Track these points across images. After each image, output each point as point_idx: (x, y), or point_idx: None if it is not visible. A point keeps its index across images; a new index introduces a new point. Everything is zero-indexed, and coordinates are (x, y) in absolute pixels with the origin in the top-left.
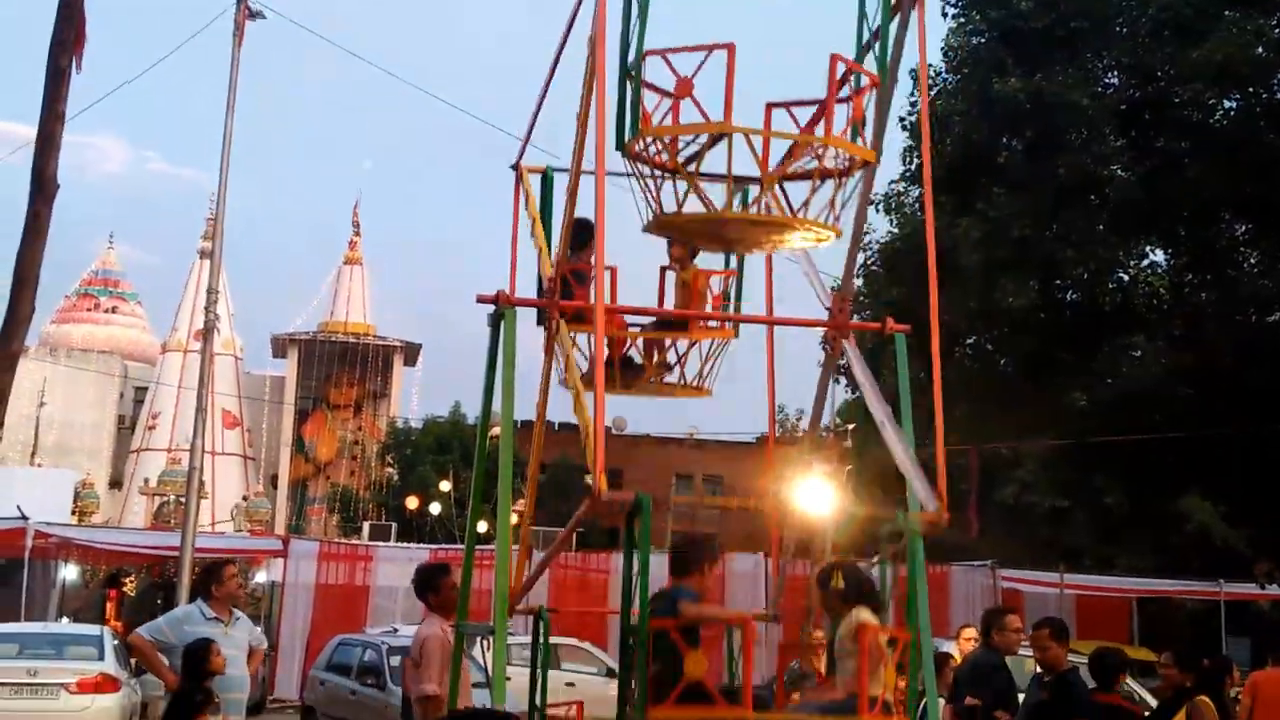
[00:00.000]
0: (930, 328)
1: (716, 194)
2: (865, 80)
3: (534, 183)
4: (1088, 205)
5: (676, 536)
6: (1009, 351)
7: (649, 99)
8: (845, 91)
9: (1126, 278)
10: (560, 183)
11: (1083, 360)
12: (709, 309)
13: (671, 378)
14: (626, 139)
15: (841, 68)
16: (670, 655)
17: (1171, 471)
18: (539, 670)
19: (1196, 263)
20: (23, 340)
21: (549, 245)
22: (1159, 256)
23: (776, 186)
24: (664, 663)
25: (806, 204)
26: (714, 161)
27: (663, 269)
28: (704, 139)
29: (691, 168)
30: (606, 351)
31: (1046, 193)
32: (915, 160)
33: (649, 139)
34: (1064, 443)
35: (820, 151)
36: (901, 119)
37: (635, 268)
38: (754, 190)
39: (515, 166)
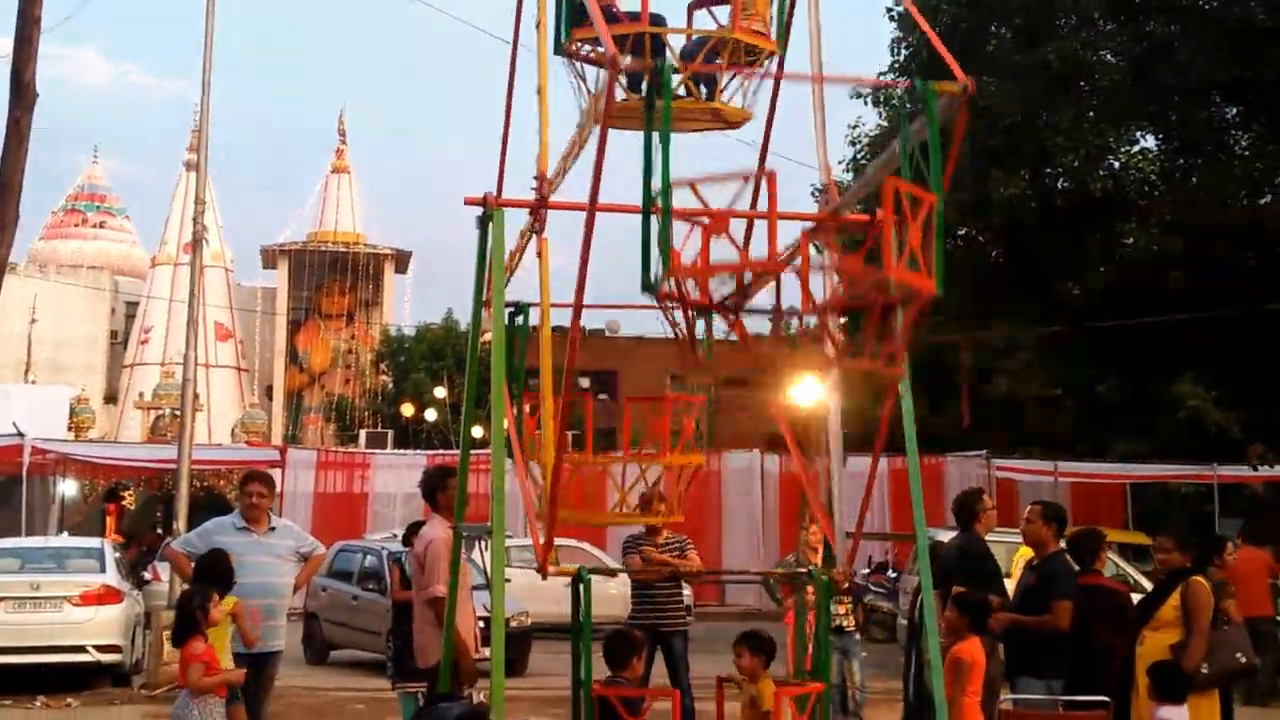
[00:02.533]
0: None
1: None
2: None
3: None
4: (1078, 92)
5: None
6: (1000, 242)
7: None
8: None
9: (1117, 164)
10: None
11: (1074, 249)
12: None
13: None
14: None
15: None
16: None
17: (1164, 357)
18: (582, 644)
19: (1187, 147)
20: (9, 247)
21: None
22: (1150, 142)
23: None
24: None
25: None
26: None
27: (718, 682)
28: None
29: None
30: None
31: (1036, 81)
32: (902, 52)
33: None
34: (1056, 331)
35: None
36: (888, 9)
37: None
38: None
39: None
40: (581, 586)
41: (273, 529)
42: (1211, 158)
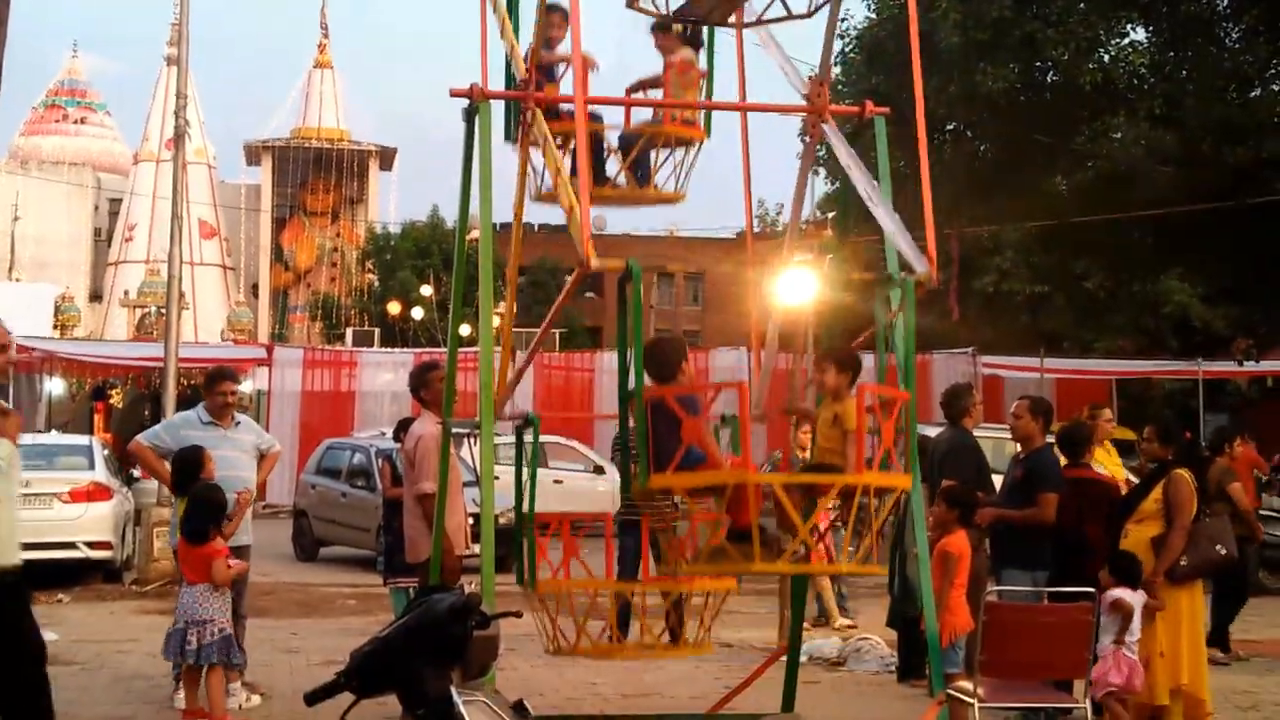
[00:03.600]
0: (915, 108)
1: None
2: None
3: None
4: None
5: (649, 342)
6: (988, 136)
7: None
8: None
9: (1107, 57)
10: None
11: (1063, 143)
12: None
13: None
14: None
15: None
16: (668, 423)
17: (1151, 253)
18: (526, 476)
19: (1177, 39)
20: None
21: (519, 40)
22: (1139, 34)
23: None
24: (663, 431)
25: None
26: None
27: (628, 90)
28: None
29: None
30: (573, 159)
31: None
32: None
33: None
34: (1044, 225)
35: None
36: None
37: (612, 69)
38: None
39: None
40: (531, 427)
41: (237, 424)
42: (1202, 50)
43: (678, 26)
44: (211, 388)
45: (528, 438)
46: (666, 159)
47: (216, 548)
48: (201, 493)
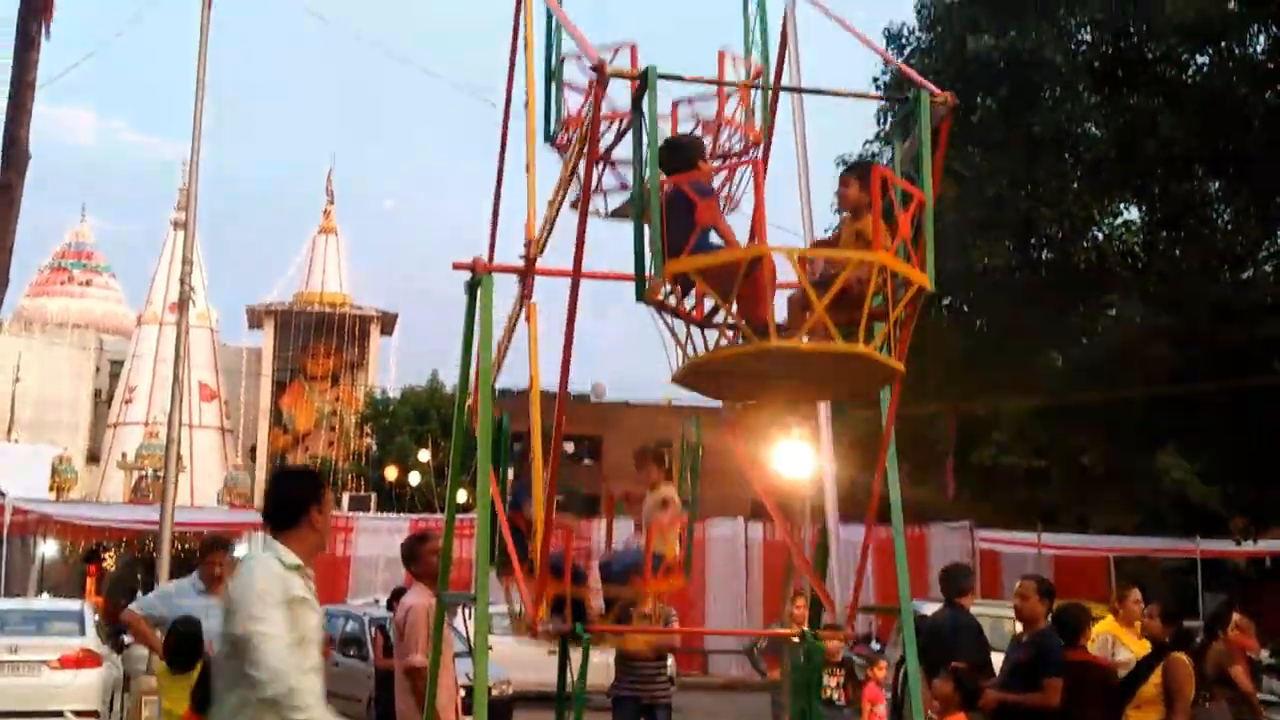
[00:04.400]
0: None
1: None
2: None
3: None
4: (1062, 163)
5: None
6: (985, 312)
7: None
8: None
9: (1101, 235)
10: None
11: (1059, 320)
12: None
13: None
14: (647, 284)
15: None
16: (682, 212)
17: (1147, 430)
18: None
19: (1171, 220)
20: None
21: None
22: (1133, 214)
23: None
24: (676, 220)
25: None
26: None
27: (624, 497)
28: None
29: None
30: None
31: (1021, 151)
32: (888, 120)
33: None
34: (1040, 403)
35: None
36: (875, 79)
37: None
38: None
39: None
40: (577, 648)
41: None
42: (1195, 231)
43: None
44: (204, 557)
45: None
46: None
47: None
48: (181, 624)
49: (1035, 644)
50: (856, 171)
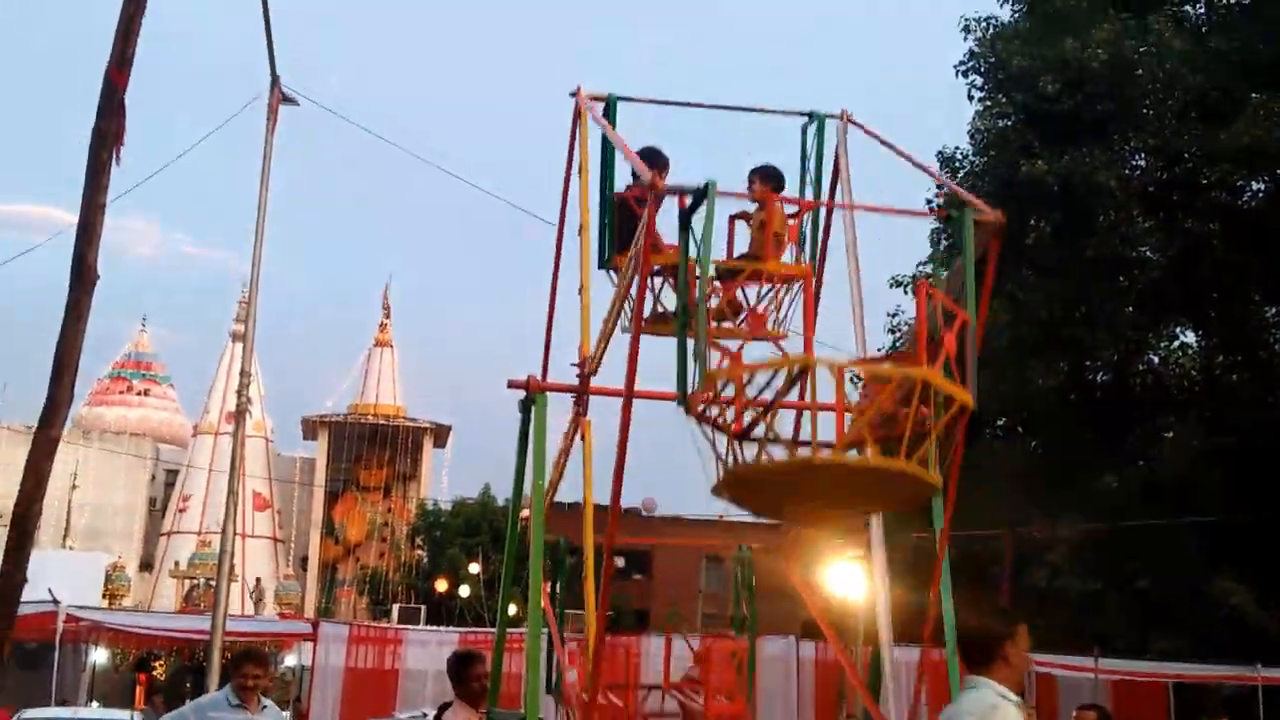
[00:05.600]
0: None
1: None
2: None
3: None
4: (1116, 287)
5: None
6: (1039, 433)
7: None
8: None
9: (1156, 359)
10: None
11: (1114, 442)
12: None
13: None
14: (689, 393)
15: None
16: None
17: (1205, 555)
18: None
19: (1227, 344)
20: (62, 426)
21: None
22: (1189, 338)
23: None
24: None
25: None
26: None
27: (732, 218)
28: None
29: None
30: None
31: (1075, 275)
32: (943, 242)
33: (712, 396)
34: (1096, 526)
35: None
36: (928, 200)
37: None
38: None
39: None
40: None
41: (264, 708)
42: (1251, 354)
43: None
44: (237, 669)
45: None
46: (768, 295)
47: None
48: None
49: None
50: (759, 172)
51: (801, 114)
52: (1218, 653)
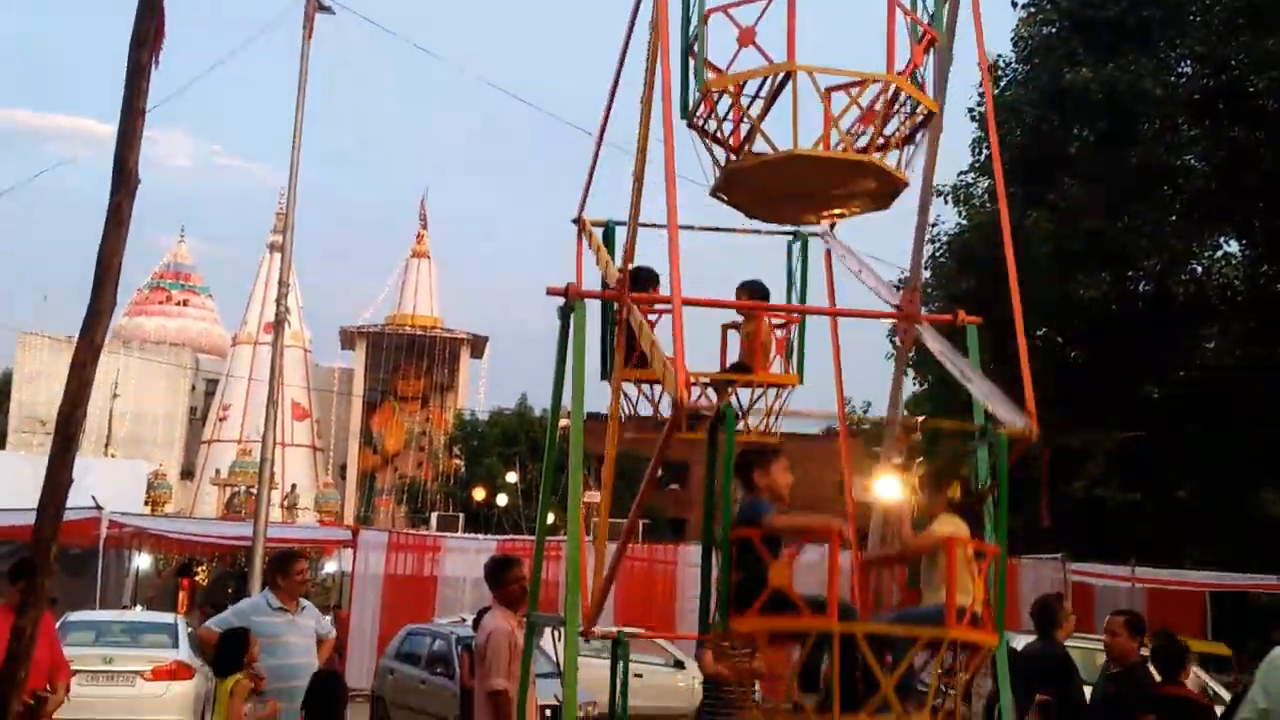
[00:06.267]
0: (1006, 309)
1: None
2: (923, 33)
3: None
4: (1161, 196)
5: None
6: (1080, 343)
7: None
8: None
9: (1200, 269)
10: (620, 235)
11: (1156, 352)
12: (773, 360)
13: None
14: (690, 105)
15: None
16: (754, 565)
17: (1245, 465)
18: (621, 697)
19: (1271, 254)
20: (105, 332)
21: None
22: (1233, 247)
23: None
24: (747, 573)
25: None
26: (781, 121)
27: (724, 327)
28: (766, 90)
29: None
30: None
31: (1118, 184)
32: (984, 151)
33: (714, 102)
34: (1135, 435)
35: (885, 99)
36: (970, 109)
37: (696, 330)
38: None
39: (578, 220)
40: (619, 649)
41: (302, 609)
42: None
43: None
44: (288, 570)
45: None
46: (758, 399)
47: None
48: (330, 681)
49: (1125, 679)
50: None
51: (787, 233)
52: (1256, 564)
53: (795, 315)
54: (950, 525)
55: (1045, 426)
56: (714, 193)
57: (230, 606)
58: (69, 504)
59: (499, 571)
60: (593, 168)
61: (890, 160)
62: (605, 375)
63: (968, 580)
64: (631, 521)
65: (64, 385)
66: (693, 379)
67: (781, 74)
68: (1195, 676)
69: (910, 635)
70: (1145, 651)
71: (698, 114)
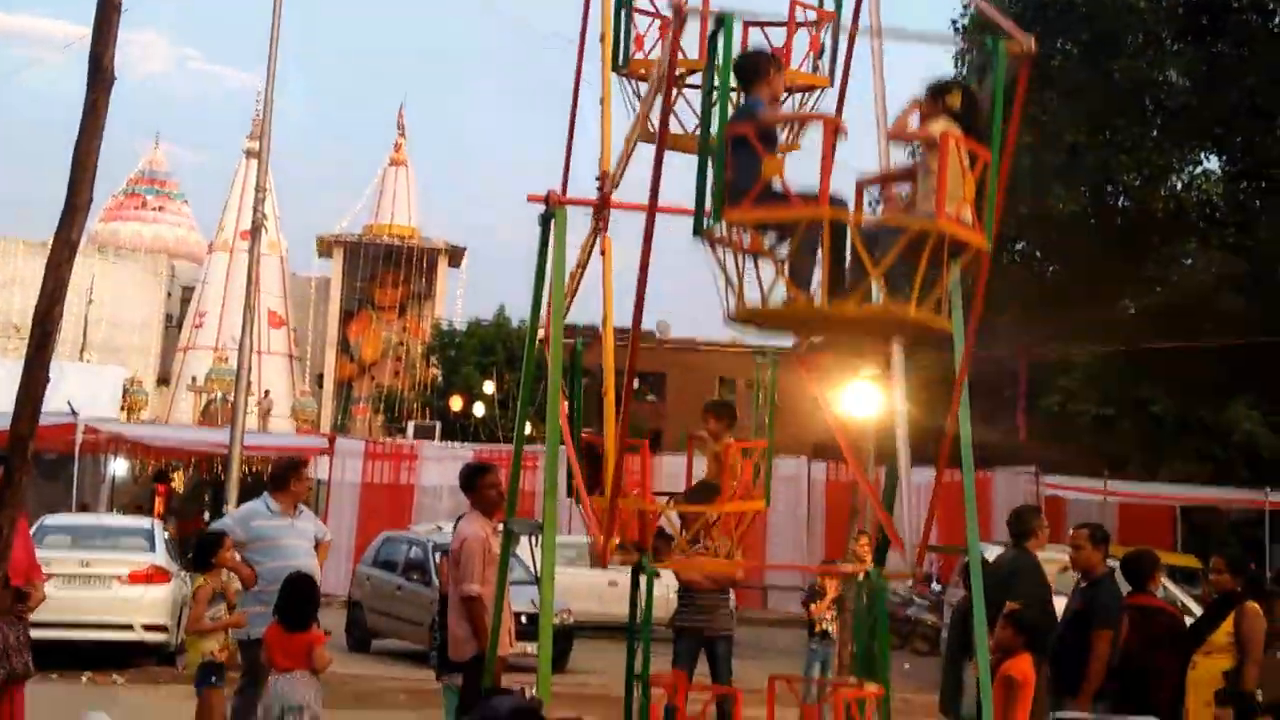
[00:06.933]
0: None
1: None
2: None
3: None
4: (1142, 111)
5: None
6: (1058, 258)
7: None
8: None
9: (1180, 184)
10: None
11: (1133, 267)
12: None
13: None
14: (706, 225)
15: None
16: (749, 161)
17: (1219, 380)
18: (642, 639)
19: (1251, 171)
20: (81, 229)
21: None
22: (1213, 164)
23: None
24: (742, 169)
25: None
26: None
27: (690, 438)
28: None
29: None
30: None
31: (1100, 98)
32: (965, 66)
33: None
34: (1112, 349)
35: None
36: (953, 21)
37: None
38: None
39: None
40: (644, 579)
41: (300, 513)
42: (1275, 182)
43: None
44: (289, 477)
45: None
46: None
47: (318, 634)
48: (299, 582)
49: (1089, 593)
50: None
51: None
52: (1229, 479)
53: (763, 442)
54: (946, 126)
55: (1021, 340)
56: (729, 324)
57: (230, 513)
58: (45, 409)
59: (473, 477)
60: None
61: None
62: (618, 68)
63: (958, 184)
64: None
65: (39, 288)
66: (654, 509)
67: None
68: (1165, 589)
69: (899, 226)
70: (1113, 564)
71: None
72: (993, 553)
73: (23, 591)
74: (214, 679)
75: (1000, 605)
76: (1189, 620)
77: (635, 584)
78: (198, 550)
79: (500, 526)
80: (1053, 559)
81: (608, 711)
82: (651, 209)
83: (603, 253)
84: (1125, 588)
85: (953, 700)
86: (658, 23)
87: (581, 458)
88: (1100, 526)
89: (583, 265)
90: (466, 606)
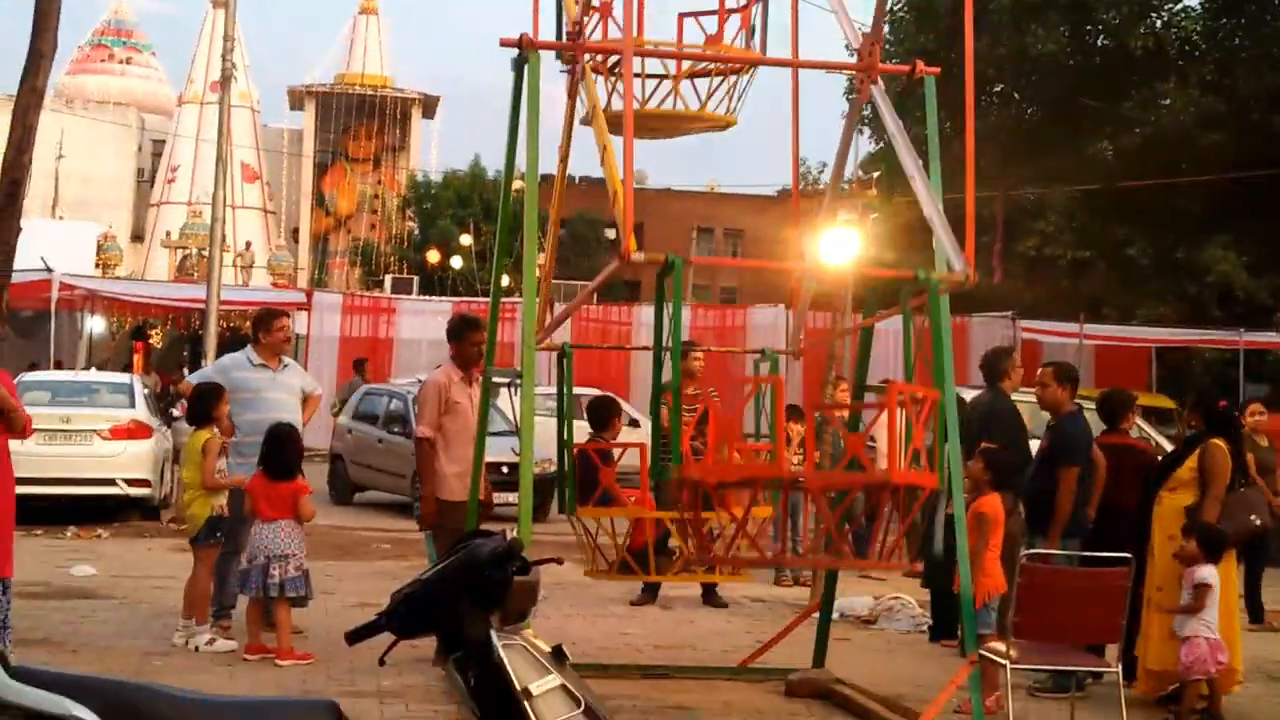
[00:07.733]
0: (964, 71)
1: None
2: None
3: None
4: None
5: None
6: (1036, 98)
7: None
8: None
9: (1159, 21)
10: None
11: (1111, 107)
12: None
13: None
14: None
15: None
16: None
17: (1196, 221)
18: (565, 406)
19: (1231, 7)
20: (47, 76)
21: None
22: (1192, 0)
23: None
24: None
25: None
26: None
27: (681, 16)
28: None
29: None
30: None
31: None
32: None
33: None
34: (1088, 189)
35: None
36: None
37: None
38: None
39: None
40: (565, 359)
41: (285, 366)
42: (1255, 17)
43: None
44: (269, 326)
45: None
46: (720, 84)
47: (302, 484)
48: (284, 432)
49: (1056, 431)
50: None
51: None
52: (1204, 320)
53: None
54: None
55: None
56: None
57: (211, 363)
58: (19, 266)
59: (463, 329)
60: None
61: None
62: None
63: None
64: (589, 290)
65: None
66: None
67: None
68: (1139, 429)
69: (852, 484)
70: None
71: None
72: (970, 396)
73: None
74: (218, 535)
75: (974, 445)
76: (1160, 459)
77: (560, 365)
78: (196, 403)
79: (479, 378)
80: (1026, 401)
81: (587, 559)
82: (628, 49)
83: (569, 96)
84: (1102, 428)
85: (924, 549)
86: None
87: (574, 468)
88: (1068, 364)
89: (569, 117)
90: (419, 448)
